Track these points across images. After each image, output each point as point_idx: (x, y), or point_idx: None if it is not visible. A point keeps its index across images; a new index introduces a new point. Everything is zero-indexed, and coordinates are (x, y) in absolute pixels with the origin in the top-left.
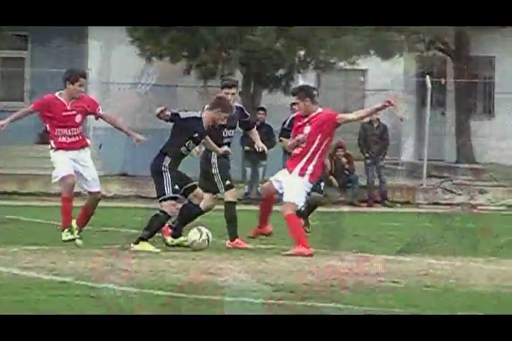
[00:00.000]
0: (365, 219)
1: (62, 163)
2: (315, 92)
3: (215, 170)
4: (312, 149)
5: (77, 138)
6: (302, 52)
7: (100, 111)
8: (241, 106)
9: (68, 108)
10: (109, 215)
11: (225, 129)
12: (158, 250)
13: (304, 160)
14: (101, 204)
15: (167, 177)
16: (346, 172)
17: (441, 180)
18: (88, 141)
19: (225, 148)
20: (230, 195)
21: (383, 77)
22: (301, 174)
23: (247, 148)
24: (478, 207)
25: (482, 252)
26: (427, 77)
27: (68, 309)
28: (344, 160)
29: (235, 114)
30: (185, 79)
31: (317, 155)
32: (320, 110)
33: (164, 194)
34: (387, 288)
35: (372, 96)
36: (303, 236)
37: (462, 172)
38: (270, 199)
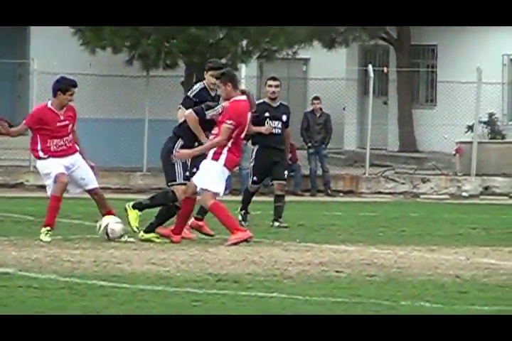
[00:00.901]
0: (308, 209)
1: (54, 165)
2: (238, 79)
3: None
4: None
5: (68, 145)
6: (245, 42)
7: (74, 127)
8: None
9: (62, 118)
10: None
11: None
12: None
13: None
14: (43, 194)
15: (178, 162)
16: (289, 161)
17: (384, 169)
18: (77, 147)
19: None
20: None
21: (326, 66)
22: (215, 158)
23: None
24: (421, 196)
25: (425, 241)
26: (370, 66)
27: (11, 300)
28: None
29: (215, 97)
30: (129, 69)
31: (230, 142)
32: (239, 98)
33: (174, 180)
34: (331, 277)
35: (314, 85)
36: (234, 222)
37: (405, 161)
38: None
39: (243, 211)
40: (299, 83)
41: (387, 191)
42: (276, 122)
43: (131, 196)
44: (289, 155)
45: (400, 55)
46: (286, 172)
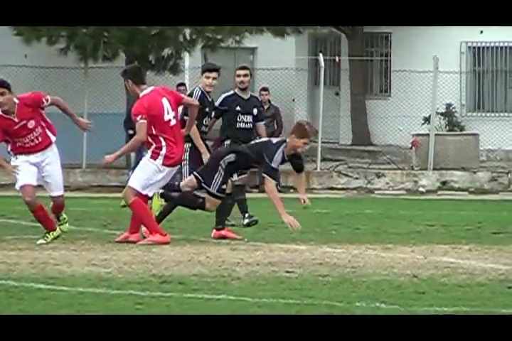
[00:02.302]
0: (256, 206)
1: (22, 170)
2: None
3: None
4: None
5: (36, 141)
6: (188, 31)
7: (46, 102)
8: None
9: (17, 121)
10: None
11: (206, 117)
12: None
13: (152, 144)
14: None
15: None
16: None
17: (336, 164)
18: (53, 138)
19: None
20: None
21: (274, 55)
22: (153, 157)
23: (130, 131)
24: (376, 192)
25: (380, 239)
26: (320, 54)
27: None
28: None
29: (213, 101)
30: (66, 60)
31: (161, 140)
32: (144, 92)
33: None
34: (281, 278)
35: (262, 76)
36: (154, 223)
37: (358, 154)
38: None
39: (247, 214)
40: None
41: (339, 187)
42: (248, 116)
43: (70, 194)
44: None
45: (353, 43)
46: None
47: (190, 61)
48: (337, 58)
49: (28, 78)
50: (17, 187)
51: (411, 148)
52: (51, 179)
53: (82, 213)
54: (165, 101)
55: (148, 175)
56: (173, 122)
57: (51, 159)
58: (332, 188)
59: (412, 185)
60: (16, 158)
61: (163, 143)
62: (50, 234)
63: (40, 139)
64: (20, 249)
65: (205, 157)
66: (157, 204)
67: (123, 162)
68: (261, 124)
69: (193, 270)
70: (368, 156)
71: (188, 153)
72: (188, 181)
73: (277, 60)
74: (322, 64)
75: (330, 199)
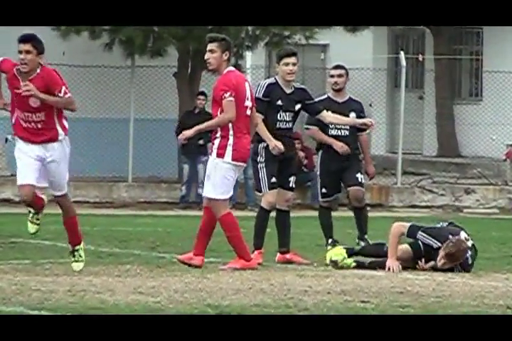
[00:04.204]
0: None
1: (25, 167)
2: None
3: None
4: None
5: (39, 125)
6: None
7: (61, 93)
8: (302, 86)
9: (20, 89)
10: (18, 224)
11: (281, 111)
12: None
13: (218, 135)
14: (8, 210)
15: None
16: (304, 169)
17: (420, 178)
18: (61, 134)
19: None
20: (281, 199)
21: (348, 53)
22: (220, 154)
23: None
24: (465, 210)
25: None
26: (401, 53)
27: None
28: (302, 154)
29: (293, 94)
30: (110, 58)
31: (229, 127)
32: (229, 69)
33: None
34: (355, 308)
35: None
36: (243, 245)
37: (444, 168)
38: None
39: (330, 240)
40: (316, 74)
41: (423, 204)
42: None
43: (114, 211)
44: (305, 161)
45: (438, 40)
46: (360, 175)
47: (253, 59)
48: (420, 57)
49: (65, 78)
50: (18, 183)
51: (505, 160)
52: (55, 178)
53: (128, 233)
54: (247, 87)
55: (223, 176)
56: (248, 112)
57: (57, 156)
58: (414, 206)
59: (507, 203)
60: (17, 142)
61: (231, 132)
62: (79, 250)
63: (42, 125)
64: (56, 274)
65: (276, 148)
66: (337, 253)
67: (175, 175)
68: (363, 134)
69: (255, 299)
70: (456, 170)
71: (263, 154)
72: (402, 253)
73: (352, 58)
74: (403, 63)
75: (412, 218)
